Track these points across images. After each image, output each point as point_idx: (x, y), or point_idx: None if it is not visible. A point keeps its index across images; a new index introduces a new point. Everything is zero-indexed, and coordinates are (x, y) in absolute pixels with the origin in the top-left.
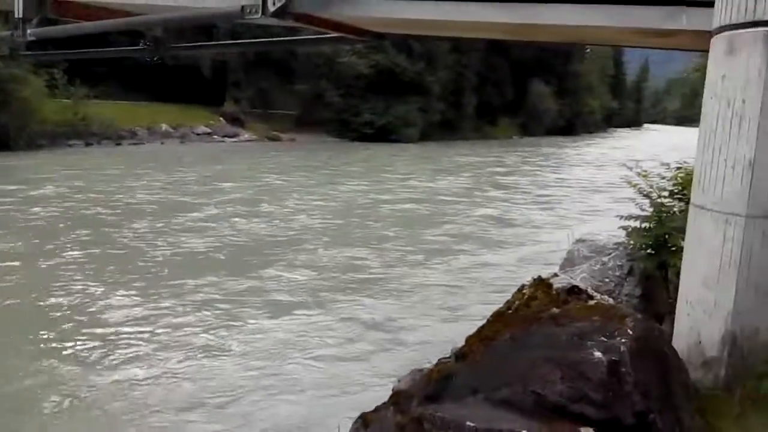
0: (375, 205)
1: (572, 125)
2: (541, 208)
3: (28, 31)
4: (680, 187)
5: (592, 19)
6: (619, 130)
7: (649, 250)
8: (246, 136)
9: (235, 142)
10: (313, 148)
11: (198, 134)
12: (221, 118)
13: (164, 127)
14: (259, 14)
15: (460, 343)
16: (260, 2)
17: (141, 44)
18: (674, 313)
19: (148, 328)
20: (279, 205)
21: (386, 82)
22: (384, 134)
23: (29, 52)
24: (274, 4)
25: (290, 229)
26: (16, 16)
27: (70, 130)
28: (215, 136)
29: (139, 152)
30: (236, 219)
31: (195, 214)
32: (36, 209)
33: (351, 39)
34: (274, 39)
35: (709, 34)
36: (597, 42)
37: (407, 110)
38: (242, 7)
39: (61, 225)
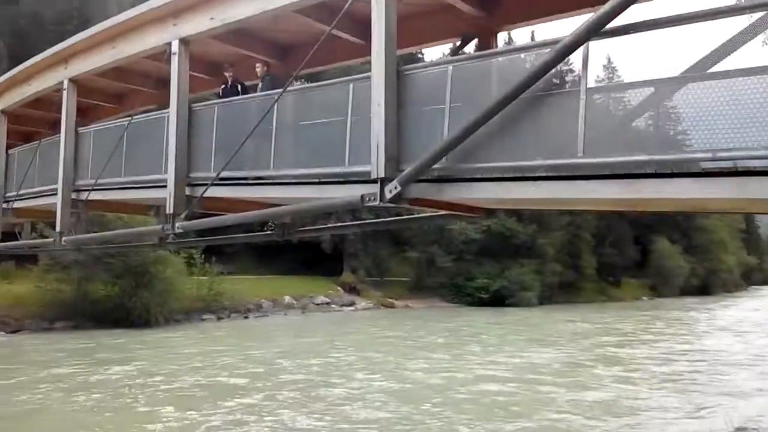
0: (449, 387)
1: (708, 284)
2: (667, 389)
3: (177, 225)
4: None
5: (716, 192)
6: (762, 288)
7: None
8: (362, 304)
9: (352, 310)
10: (422, 315)
11: (317, 304)
12: (339, 288)
13: (287, 299)
14: (377, 201)
15: None
16: (378, 191)
17: (268, 228)
18: None
19: None
20: (349, 387)
21: (498, 246)
22: (500, 299)
23: (174, 241)
24: (390, 192)
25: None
26: (167, 211)
27: (204, 305)
28: (333, 306)
29: (262, 324)
30: (284, 410)
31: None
32: (178, 384)
33: (463, 216)
34: (388, 219)
35: None
36: (718, 210)
37: (522, 273)
38: (362, 196)
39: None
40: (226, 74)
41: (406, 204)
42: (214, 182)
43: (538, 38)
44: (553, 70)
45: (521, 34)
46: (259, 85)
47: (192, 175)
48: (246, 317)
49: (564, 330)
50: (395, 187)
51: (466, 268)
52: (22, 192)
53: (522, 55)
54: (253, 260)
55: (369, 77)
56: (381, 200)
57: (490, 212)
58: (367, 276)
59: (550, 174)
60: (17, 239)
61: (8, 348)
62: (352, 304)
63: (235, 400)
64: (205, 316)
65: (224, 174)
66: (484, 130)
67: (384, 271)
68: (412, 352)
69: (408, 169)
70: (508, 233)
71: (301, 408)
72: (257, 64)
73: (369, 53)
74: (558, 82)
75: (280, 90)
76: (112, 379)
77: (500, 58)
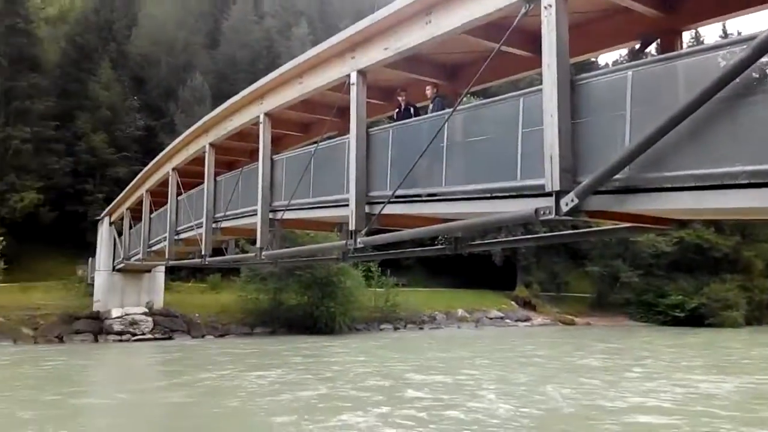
0: (584, 415)
1: None
2: None
3: (359, 240)
4: None
5: None
6: None
7: None
8: (539, 319)
9: (528, 326)
10: (606, 333)
11: (491, 318)
12: (513, 302)
13: (460, 312)
14: (553, 215)
15: None
16: (553, 205)
17: (440, 242)
18: None
19: None
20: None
21: (694, 259)
22: (698, 318)
23: (355, 255)
24: (567, 205)
25: None
26: (349, 228)
27: (381, 315)
28: (507, 320)
29: (440, 335)
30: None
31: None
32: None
33: (650, 228)
34: (565, 232)
35: None
36: None
37: (725, 290)
38: (536, 210)
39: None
40: (399, 98)
41: (585, 217)
42: (391, 200)
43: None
44: (752, 67)
45: (709, 31)
46: (430, 107)
47: (371, 194)
48: (421, 328)
49: (763, 355)
50: (572, 200)
51: (656, 284)
52: (228, 213)
53: (713, 54)
54: (425, 273)
55: (540, 90)
56: (557, 213)
57: (682, 223)
58: (541, 291)
59: (754, 181)
60: (224, 254)
61: (219, 348)
62: (527, 319)
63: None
64: (383, 326)
65: (399, 192)
66: (672, 135)
67: (560, 286)
68: (577, 370)
69: (586, 180)
70: (705, 245)
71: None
72: (427, 87)
73: (539, 65)
74: (758, 77)
75: (450, 110)
76: (292, 379)
77: (688, 59)
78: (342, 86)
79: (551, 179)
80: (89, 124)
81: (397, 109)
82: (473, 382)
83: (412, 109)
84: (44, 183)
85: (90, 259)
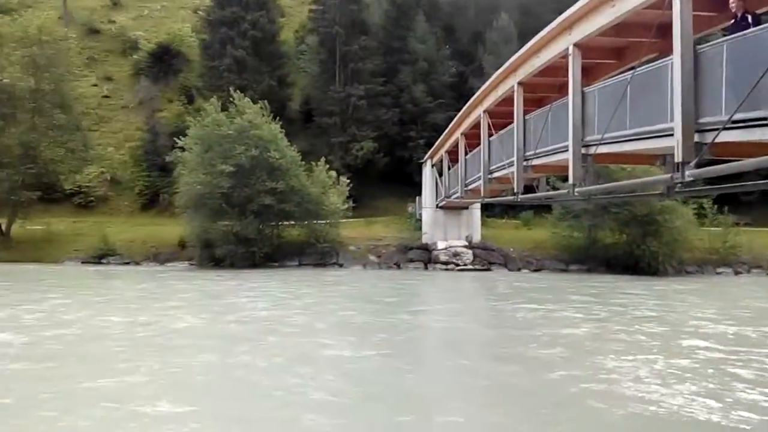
0: None
1: None
2: None
3: (687, 173)
4: None
5: None
6: None
7: None
8: None
9: None
10: None
11: None
12: None
13: None
14: None
15: None
16: None
17: None
18: None
19: None
20: None
21: None
22: None
23: (682, 190)
24: None
25: None
26: (675, 160)
27: (718, 258)
28: None
29: None
30: None
31: None
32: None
33: None
34: None
35: None
36: None
37: None
38: None
39: None
40: (733, 6)
41: None
42: (726, 126)
43: None
44: None
45: None
46: None
47: (700, 120)
48: None
49: None
50: None
51: None
52: (538, 151)
53: None
54: None
55: None
56: None
57: None
58: None
59: None
60: (535, 191)
61: (538, 282)
62: None
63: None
64: (719, 270)
65: (738, 116)
66: None
67: None
68: None
69: None
70: None
71: None
72: None
73: None
74: None
75: None
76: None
77: None
78: (661, 2)
79: None
80: (410, 76)
81: (732, 20)
82: None
83: (750, 17)
84: (377, 133)
85: (417, 197)
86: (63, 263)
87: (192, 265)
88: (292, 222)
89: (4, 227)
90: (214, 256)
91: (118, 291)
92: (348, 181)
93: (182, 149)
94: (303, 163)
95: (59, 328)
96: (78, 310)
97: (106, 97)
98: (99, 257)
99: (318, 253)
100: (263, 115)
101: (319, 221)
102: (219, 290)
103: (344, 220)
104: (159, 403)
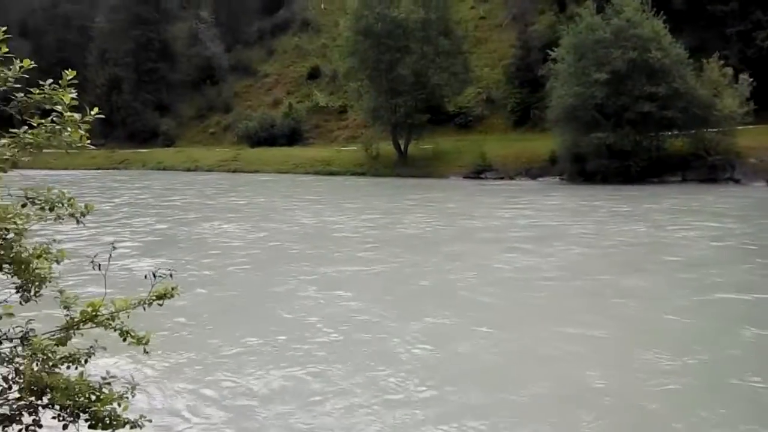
0: None
1: None
2: None
3: None
4: None
5: None
6: None
7: None
8: None
9: None
10: None
11: None
12: None
13: None
14: None
15: None
16: None
17: None
18: None
19: None
20: None
21: None
22: None
23: None
24: None
25: None
26: None
27: None
28: None
29: None
30: None
31: None
32: None
33: None
34: None
35: None
36: None
37: None
38: None
39: None
40: None
41: None
42: None
43: None
44: None
45: None
46: None
47: None
48: None
49: None
50: None
51: None
52: None
53: None
54: None
55: None
56: None
57: None
58: None
59: None
60: None
61: None
62: None
63: None
64: None
65: None
66: None
67: None
68: None
69: None
70: None
71: None
72: None
73: None
74: None
75: None
76: None
77: None
78: None
79: None
80: None
81: None
82: None
83: None
84: None
85: None
86: (448, 178)
87: (563, 180)
88: (675, 131)
89: (402, 147)
90: (585, 170)
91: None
92: (749, 79)
93: (554, 61)
94: (690, 61)
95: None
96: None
97: (483, 18)
98: (477, 172)
99: (707, 167)
100: (643, 11)
101: (709, 129)
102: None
103: (741, 127)
104: None
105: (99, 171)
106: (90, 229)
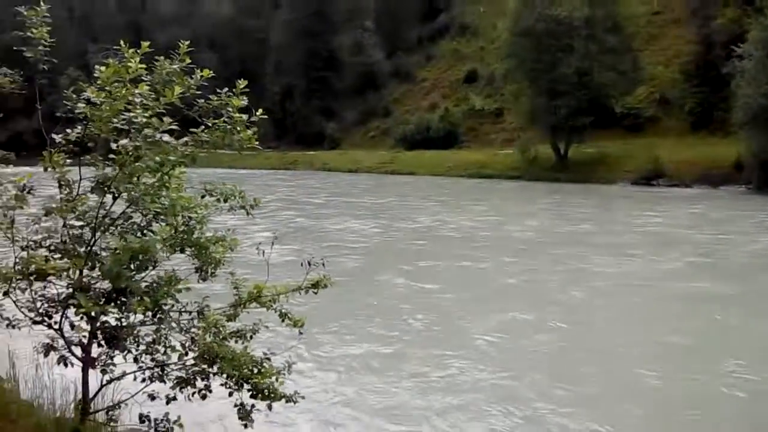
0: None
1: None
2: None
3: None
4: None
5: None
6: None
7: None
8: None
9: None
10: None
11: None
12: None
13: None
14: None
15: None
16: None
17: None
18: None
19: None
20: None
21: None
22: None
23: None
24: None
25: None
26: None
27: None
28: None
29: None
30: None
31: None
32: None
33: None
34: None
35: None
36: None
37: None
38: None
39: None
40: None
41: None
42: None
43: None
44: None
45: None
46: None
47: None
48: None
49: None
50: None
51: None
52: None
53: None
54: None
55: None
56: None
57: None
58: None
59: None
60: None
61: None
62: None
63: None
64: None
65: None
66: None
67: None
68: None
69: None
70: None
71: None
72: None
73: None
74: None
75: None
76: None
77: None
78: None
79: None
80: None
81: None
82: None
83: None
84: None
85: None
86: (615, 183)
87: (749, 189)
88: None
89: (562, 150)
90: None
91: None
92: None
93: (740, 58)
94: None
95: None
96: None
97: (657, 13)
98: (648, 178)
99: None
100: None
101: None
102: None
103: None
104: None
105: (271, 171)
106: (240, 220)
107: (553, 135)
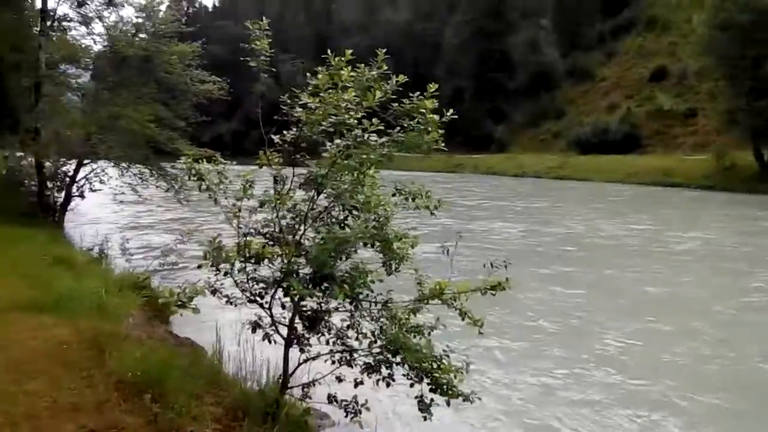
0: None
1: None
2: None
3: None
4: None
5: None
6: None
7: None
8: None
9: None
10: None
11: None
12: None
13: None
14: None
15: None
16: None
17: None
18: None
19: None
20: None
21: None
22: None
23: None
24: None
25: None
26: None
27: None
28: None
29: None
30: None
31: None
32: None
33: None
34: None
35: None
36: None
37: None
38: None
39: None
40: None
41: None
42: None
43: None
44: None
45: None
46: None
47: None
48: None
49: None
50: None
51: None
52: None
53: None
54: None
55: None
56: None
57: None
58: None
59: None
60: None
61: None
62: None
63: None
64: None
65: None
66: None
67: None
68: None
69: None
70: None
71: None
72: None
73: None
74: None
75: None
76: None
77: None
78: None
79: None
80: None
81: None
82: None
83: None
84: None
85: None
86: None
87: None
88: None
89: (766, 158)
90: None
91: None
92: None
93: None
94: None
95: None
96: None
97: None
98: None
99: None
100: None
101: None
102: None
103: None
104: None
105: (437, 173)
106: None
107: (755, 140)
